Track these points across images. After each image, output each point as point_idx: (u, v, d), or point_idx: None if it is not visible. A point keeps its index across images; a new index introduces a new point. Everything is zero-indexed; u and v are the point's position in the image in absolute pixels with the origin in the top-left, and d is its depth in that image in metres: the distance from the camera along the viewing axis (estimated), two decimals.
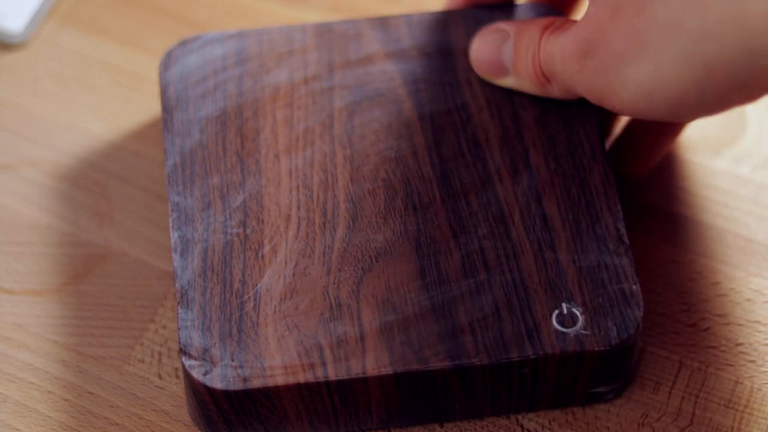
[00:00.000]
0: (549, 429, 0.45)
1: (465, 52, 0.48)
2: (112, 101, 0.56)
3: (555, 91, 0.45)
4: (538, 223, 0.44)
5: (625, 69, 0.40)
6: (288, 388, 0.41)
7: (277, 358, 0.42)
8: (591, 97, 0.43)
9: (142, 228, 0.52)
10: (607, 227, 0.44)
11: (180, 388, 0.48)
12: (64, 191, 0.53)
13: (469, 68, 0.48)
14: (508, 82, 0.47)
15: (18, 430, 0.47)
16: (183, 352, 0.42)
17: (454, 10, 0.50)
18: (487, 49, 0.47)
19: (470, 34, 0.49)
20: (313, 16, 0.58)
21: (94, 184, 0.53)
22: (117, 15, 0.58)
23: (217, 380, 0.41)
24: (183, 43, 0.50)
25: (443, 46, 0.49)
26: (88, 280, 0.51)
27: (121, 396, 0.47)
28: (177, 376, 0.48)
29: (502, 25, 0.47)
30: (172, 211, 0.46)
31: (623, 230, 0.44)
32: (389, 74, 0.48)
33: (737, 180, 0.52)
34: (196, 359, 0.42)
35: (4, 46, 0.58)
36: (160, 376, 0.48)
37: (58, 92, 0.56)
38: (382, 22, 0.50)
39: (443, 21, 0.50)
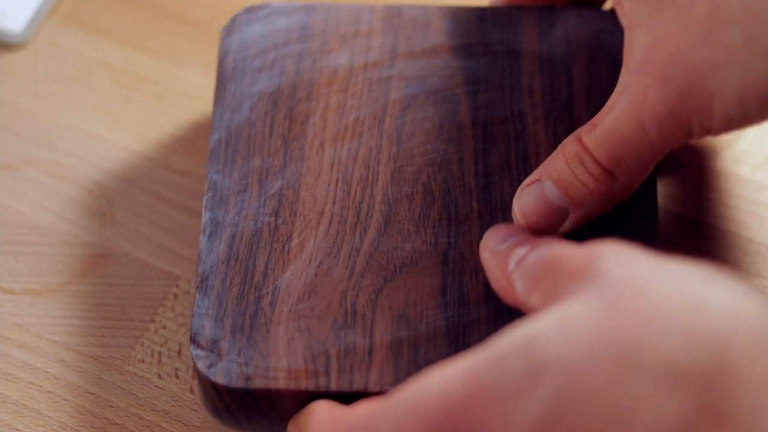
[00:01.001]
0: None
1: (532, 55, 0.47)
2: (112, 101, 0.56)
3: (621, 182, 0.42)
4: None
5: (711, 80, 0.38)
6: (289, 393, 0.41)
7: (282, 360, 0.41)
8: (676, 130, 0.40)
9: (142, 228, 0.52)
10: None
11: (180, 388, 0.47)
12: (64, 191, 0.53)
13: (533, 73, 0.46)
14: (568, 225, 0.42)
15: (18, 430, 0.47)
16: (193, 340, 0.42)
17: (529, 8, 0.48)
18: (533, 202, 0.42)
19: (542, 35, 0.47)
20: None
21: (94, 184, 0.53)
22: (117, 15, 0.58)
23: (220, 375, 0.41)
24: (249, 10, 0.49)
25: (511, 45, 0.47)
26: (89, 280, 0.51)
27: (121, 396, 0.47)
28: (177, 377, 0.48)
29: (531, 177, 0.43)
30: (209, 189, 0.45)
31: (653, 199, 0.43)
32: (451, 70, 0.47)
33: (737, 180, 0.52)
34: (203, 349, 0.42)
35: (4, 46, 0.58)
36: (160, 376, 0.48)
37: (58, 92, 0.56)
38: (454, 13, 0.48)
39: (516, 19, 0.48)
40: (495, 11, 0.48)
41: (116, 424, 0.47)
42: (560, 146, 0.42)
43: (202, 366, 0.42)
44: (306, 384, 0.41)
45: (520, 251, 0.39)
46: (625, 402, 0.31)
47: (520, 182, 0.44)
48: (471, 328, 0.42)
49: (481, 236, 0.43)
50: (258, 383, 0.41)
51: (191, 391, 0.47)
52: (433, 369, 0.36)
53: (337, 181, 0.45)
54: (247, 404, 0.42)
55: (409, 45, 0.48)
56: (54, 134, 0.55)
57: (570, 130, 0.45)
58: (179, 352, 0.48)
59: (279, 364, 0.41)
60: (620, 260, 0.35)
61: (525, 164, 0.45)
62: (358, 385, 0.41)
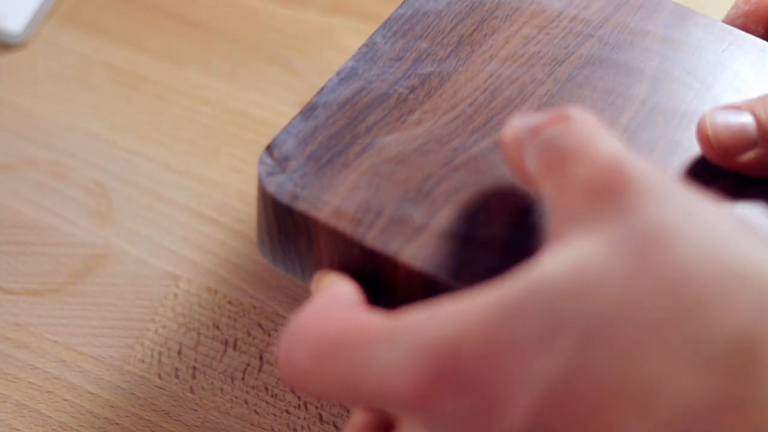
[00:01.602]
0: None
1: (735, 78, 0.46)
2: (112, 101, 0.56)
3: None
4: None
5: None
6: (326, 229, 0.40)
7: (336, 199, 0.41)
8: None
9: (142, 228, 0.52)
10: None
11: (180, 388, 0.48)
12: (64, 191, 0.53)
13: (724, 89, 0.45)
14: (748, 158, 0.41)
15: (18, 430, 0.47)
16: (268, 149, 0.42)
17: (756, 38, 0.48)
18: (728, 119, 0.41)
19: (755, 65, 0.46)
20: (313, 16, 0.58)
21: (94, 184, 0.53)
22: (117, 15, 0.58)
23: (272, 184, 0.41)
24: None
25: (721, 60, 0.47)
26: (88, 280, 0.51)
27: (121, 396, 0.47)
28: (177, 376, 0.48)
29: (735, 104, 0.42)
30: (365, 46, 0.45)
31: None
32: (651, 54, 0.46)
33: None
34: (273, 160, 0.42)
35: (4, 46, 0.58)
36: (160, 376, 0.48)
37: (58, 92, 0.56)
38: (683, 12, 0.48)
39: (731, 38, 0.47)
40: (724, 28, 0.48)
41: (116, 424, 0.47)
42: None
43: (262, 171, 0.41)
44: (344, 226, 0.40)
45: (535, 119, 0.36)
46: (645, 379, 0.29)
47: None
48: (527, 255, 0.40)
49: None
50: (301, 205, 0.40)
51: (191, 390, 0.47)
52: (449, 302, 0.33)
53: (486, 89, 0.45)
54: (288, 230, 0.41)
55: (625, 18, 0.48)
56: (54, 134, 0.55)
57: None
58: (179, 352, 0.48)
59: (331, 201, 0.41)
60: (653, 192, 0.31)
61: (670, 154, 0.43)
62: (391, 248, 0.39)
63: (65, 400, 0.48)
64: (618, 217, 0.31)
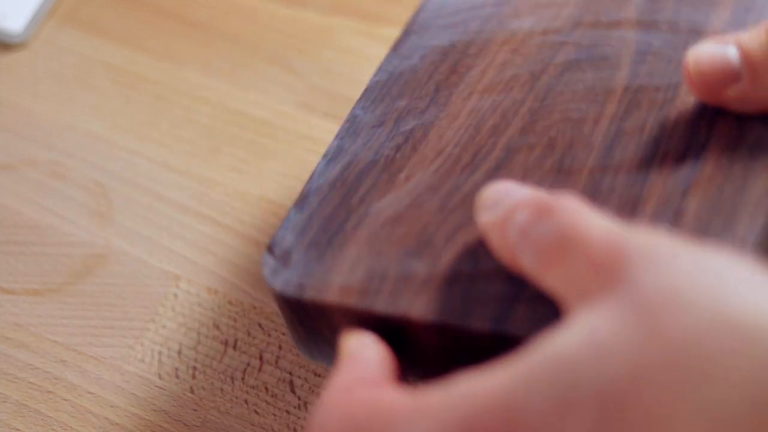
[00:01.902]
0: None
1: (715, 34, 0.44)
2: (112, 101, 0.56)
3: None
4: (667, 215, 0.40)
5: None
6: (338, 309, 0.40)
7: (341, 277, 0.40)
8: None
9: (142, 228, 0.52)
10: (734, 237, 0.39)
11: (180, 388, 0.47)
12: (64, 191, 0.53)
13: None
14: (733, 92, 0.40)
15: (18, 430, 0.47)
16: (269, 248, 0.42)
17: None
18: (712, 53, 0.40)
19: (734, 18, 0.45)
20: (313, 16, 0.58)
21: (94, 184, 0.53)
22: (117, 15, 0.58)
23: (278, 282, 0.41)
24: None
25: (698, 26, 0.45)
26: (89, 280, 0.51)
27: (121, 396, 0.47)
28: (177, 376, 0.48)
29: (719, 38, 0.41)
30: (346, 121, 0.46)
31: (748, 247, 0.39)
32: (626, 41, 0.46)
33: None
34: (274, 258, 0.42)
35: (4, 46, 0.58)
36: (160, 376, 0.48)
37: (58, 92, 0.56)
38: None
39: (715, 1, 0.46)
40: None
41: (116, 424, 0.47)
42: (764, 23, 0.40)
43: (266, 272, 0.41)
44: (353, 301, 0.40)
45: (520, 217, 0.36)
46: None
47: (646, 145, 0.42)
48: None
49: (582, 190, 0.41)
50: (309, 294, 0.40)
51: (191, 390, 0.47)
52: (467, 379, 0.33)
53: (469, 126, 0.44)
54: (308, 322, 0.41)
55: (596, 16, 0.47)
56: (54, 134, 0.55)
57: (720, 110, 0.42)
58: (179, 352, 0.48)
59: (336, 279, 0.40)
60: (653, 259, 0.31)
61: (660, 131, 0.42)
62: (400, 309, 0.39)
63: (65, 400, 0.48)
64: (622, 289, 0.31)
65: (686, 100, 0.43)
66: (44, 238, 0.52)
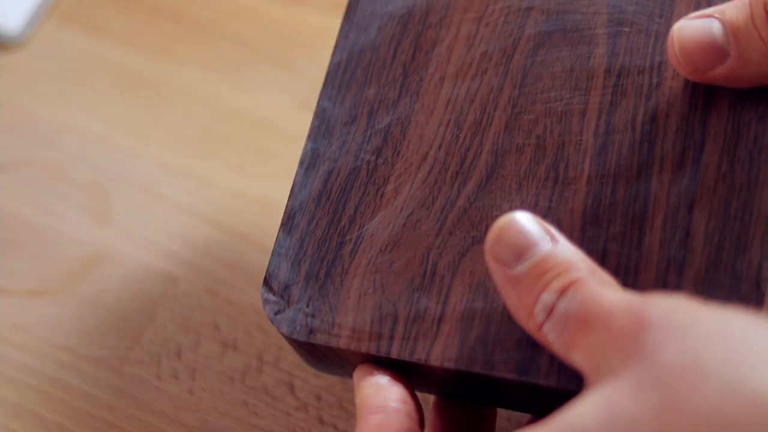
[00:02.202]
0: None
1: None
2: (111, 101, 0.56)
3: None
4: (677, 238, 0.38)
5: None
6: (352, 353, 0.40)
7: (349, 317, 0.40)
8: None
9: (142, 228, 0.52)
10: (749, 264, 0.38)
11: (179, 389, 0.47)
12: (64, 191, 0.53)
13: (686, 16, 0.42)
14: (720, 71, 0.39)
15: (15, 431, 0.47)
16: (266, 281, 0.41)
17: None
18: (696, 32, 0.39)
19: None
20: (313, 16, 0.58)
21: (93, 184, 0.53)
22: (116, 15, 0.58)
23: (285, 324, 0.40)
24: None
25: None
26: (88, 280, 0.50)
27: (120, 397, 0.47)
28: (176, 377, 0.48)
29: (703, 12, 0.40)
30: (316, 117, 0.44)
31: (765, 274, 0.37)
32: (597, 6, 0.43)
33: None
34: (274, 294, 0.41)
35: (2, 45, 0.57)
36: (158, 377, 0.48)
37: (57, 92, 0.56)
38: None
39: None
40: None
41: (114, 425, 0.47)
42: None
43: (269, 311, 0.41)
44: (367, 347, 0.39)
45: (547, 297, 0.35)
46: None
47: (641, 147, 0.40)
48: None
49: (583, 205, 0.40)
50: (320, 338, 0.40)
51: (190, 392, 0.47)
52: None
53: (449, 122, 0.43)
54: (318, 355, 0.41)
55: None
56: (53, 134, 0.55)
57: (709, 89, 0.41)
58: (178, 353, 0.48)
59: (345, 321, 0.40)
60: (671, 329, 0.31)
61: (652, 126, 0.41)
62: (419, 355, 0.39)
63: (63, 401, 0.47)
64: (641, 362, 0.31)
65: (672, 85, 0.41)
66: (43, 238, 0.52)
